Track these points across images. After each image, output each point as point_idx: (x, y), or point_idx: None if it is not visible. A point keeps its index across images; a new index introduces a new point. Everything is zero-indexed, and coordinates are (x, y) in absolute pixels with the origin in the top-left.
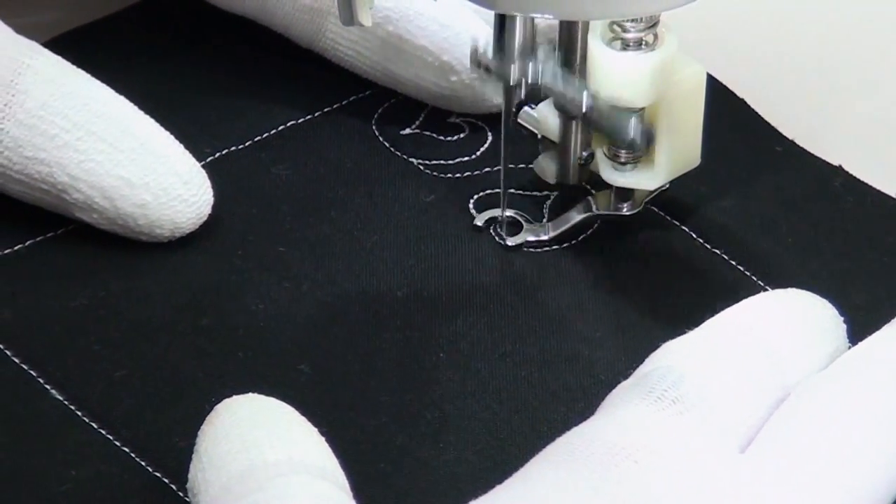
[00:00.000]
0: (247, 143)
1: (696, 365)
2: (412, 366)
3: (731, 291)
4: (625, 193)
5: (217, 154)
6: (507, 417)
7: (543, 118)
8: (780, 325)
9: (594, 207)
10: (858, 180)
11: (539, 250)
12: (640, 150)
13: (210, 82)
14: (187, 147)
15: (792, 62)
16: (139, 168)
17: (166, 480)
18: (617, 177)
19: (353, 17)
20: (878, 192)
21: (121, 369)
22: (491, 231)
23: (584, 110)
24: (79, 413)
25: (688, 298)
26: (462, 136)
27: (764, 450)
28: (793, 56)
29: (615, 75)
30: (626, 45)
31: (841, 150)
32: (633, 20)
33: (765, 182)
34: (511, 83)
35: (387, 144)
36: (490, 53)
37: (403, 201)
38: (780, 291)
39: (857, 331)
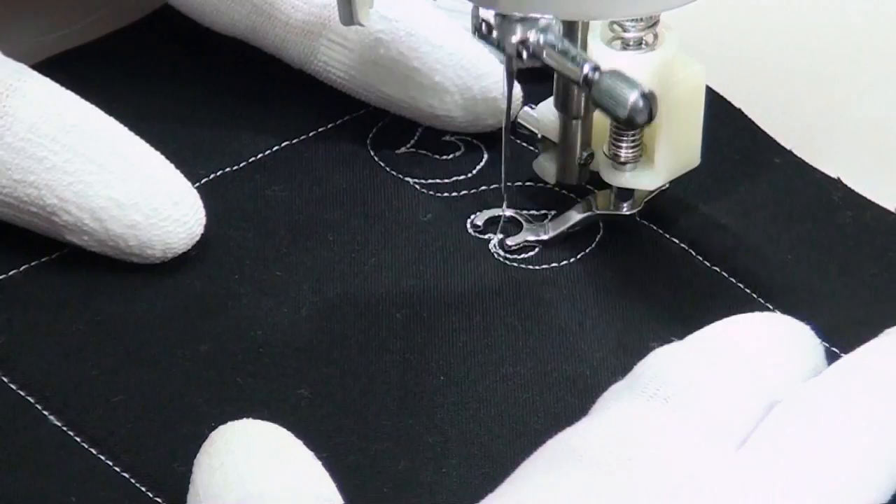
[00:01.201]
0: (241, 164)
1: (685, 367)
2: (413, 389)
3: (731, 310)
4: (625, 193)
5: (211, 175)
6: (509, 441)
7: (543, 118)
8: (764, 342)
9: (594, 207)
10: (857, 194)
11: (538, 267)
12: (641, 126)
13: (203, 103)
14: (181, 169)
15: (791, 64)
16: (129, 188)
17: None
18: (617, 177)
19: (352, 17)
20: (878, 206)
21: (119, 394)
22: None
23: (582, 74)
24: (77, 439)
25: (688, 317)
26: (458, 154)
27: (758, 447)
28: (792, 58)
29: None
30: (626, 45)
31: (839, 157)
32: (633, 20)
33: (763, 196)
34: (513, 42)
35: (382, 164)
36: (492, 15)
37: (400, 221)
38: (761, 314)
39: (857, 346)
